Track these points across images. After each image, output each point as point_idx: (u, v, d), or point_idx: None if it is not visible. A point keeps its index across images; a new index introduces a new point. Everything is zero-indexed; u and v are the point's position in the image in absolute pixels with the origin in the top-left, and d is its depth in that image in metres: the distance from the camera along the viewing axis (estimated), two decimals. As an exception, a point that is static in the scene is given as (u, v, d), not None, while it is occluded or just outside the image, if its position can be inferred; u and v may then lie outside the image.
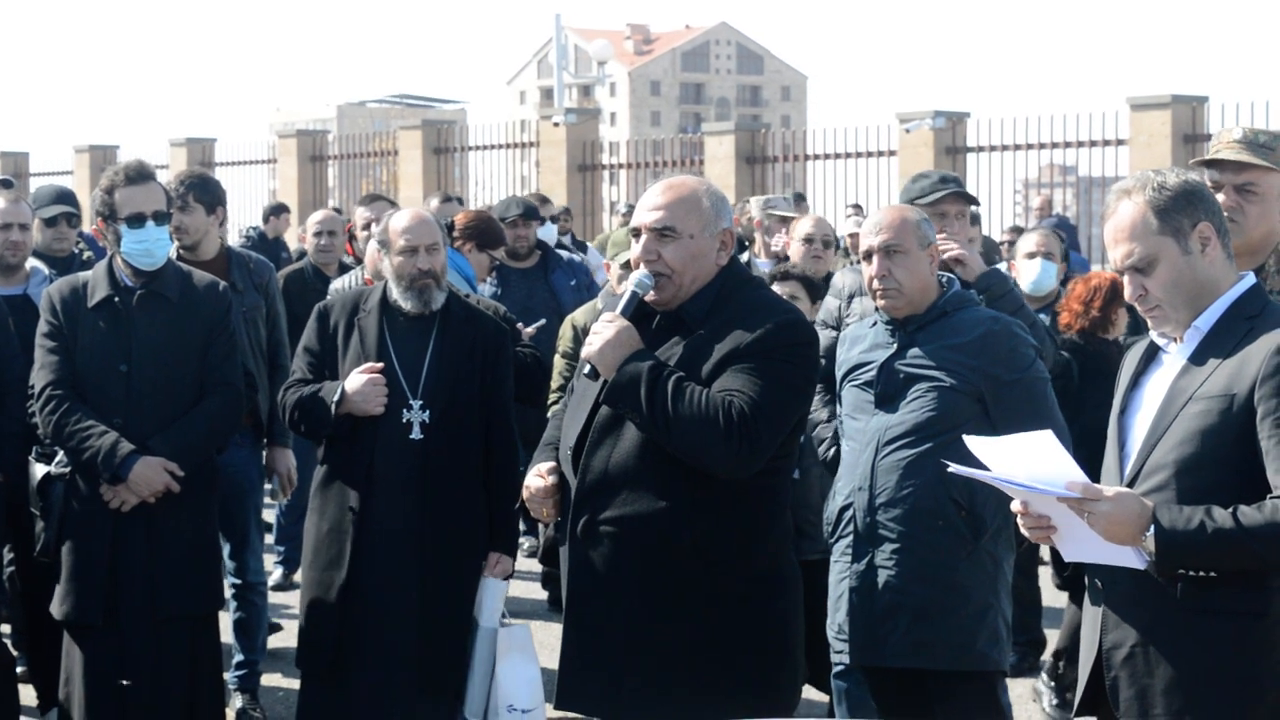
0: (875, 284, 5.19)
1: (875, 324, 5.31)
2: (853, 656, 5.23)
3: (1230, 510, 3.50)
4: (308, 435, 5.86)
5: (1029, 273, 7.73)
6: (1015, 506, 3.72)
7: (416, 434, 5.57)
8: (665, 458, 4.31)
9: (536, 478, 4.59)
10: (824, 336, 5.81)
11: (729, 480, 4.32)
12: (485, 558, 5.71)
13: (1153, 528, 3.51)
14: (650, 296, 4.44)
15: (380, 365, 5.56)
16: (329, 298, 5.95)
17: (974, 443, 3.73)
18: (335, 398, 5.53)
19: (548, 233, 11.88)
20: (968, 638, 5.05)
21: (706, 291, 4.45)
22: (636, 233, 4.47)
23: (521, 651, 5.66)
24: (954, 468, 3.74)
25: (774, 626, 4.48)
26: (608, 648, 4.39)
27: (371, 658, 5.54)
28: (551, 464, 4.60)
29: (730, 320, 4.39)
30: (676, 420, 4.24)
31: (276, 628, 8.30)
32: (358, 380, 5.52)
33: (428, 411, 5.58)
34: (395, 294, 5.68)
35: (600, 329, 4.39)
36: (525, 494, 4.62)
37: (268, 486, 7.72)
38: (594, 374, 4.41)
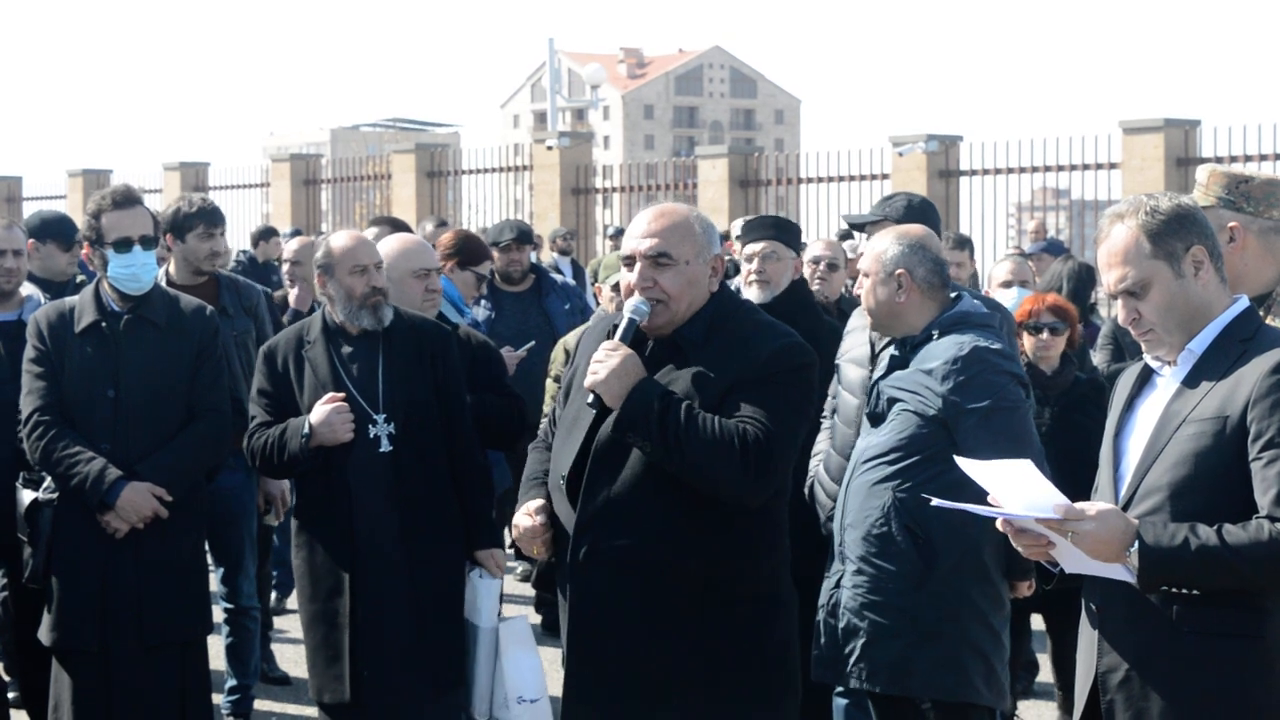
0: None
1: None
2: (815, 674, 5.24)
3: (1215, 528, 3.50)
4: (281, 475, 5.87)
5: (1006, 302, 7.72)
6: (1000, 526, 3.71)
7: (386, 446, 5.61)
8: (669, 484, 4.30)
9: (525, 517, 4.55)
10: (856, 373, 5.84)
11: (732, 505, 4.32)
12: (466, 555, 5.74)
13: (1136, 543, 3.51)
14: (644, 323, 4.43)
15: (341, 395, 5.58)
16: (273, 338, 5.97)
17: (964, 464, 3.74)
18: (304, 433, 5.55)
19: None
20: (905, 663, 5.01)
21: (700, 317, 4.44)
22: (630, 260, 4.46)
23: (522, 644, 5.72)
24: (936, 502, 3.73)
25: (774, 650, 4.48)
26: (612, 674, 4.37)
27: (374, 674, 5.55)
28: (540, 502, 4.56)
29: (728, 346, 4.39)
30: (691, 447, 4.23)
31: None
32: (322, 412, 5.55)
33: (392, 424, 5.62)
34: (341, 315, 5.71)
35: (603, 358, 4.35)
36: (515, 533, 4.59)
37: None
38: (597, 403, 4.37)
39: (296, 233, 17.14)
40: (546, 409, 7.10)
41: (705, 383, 4.34)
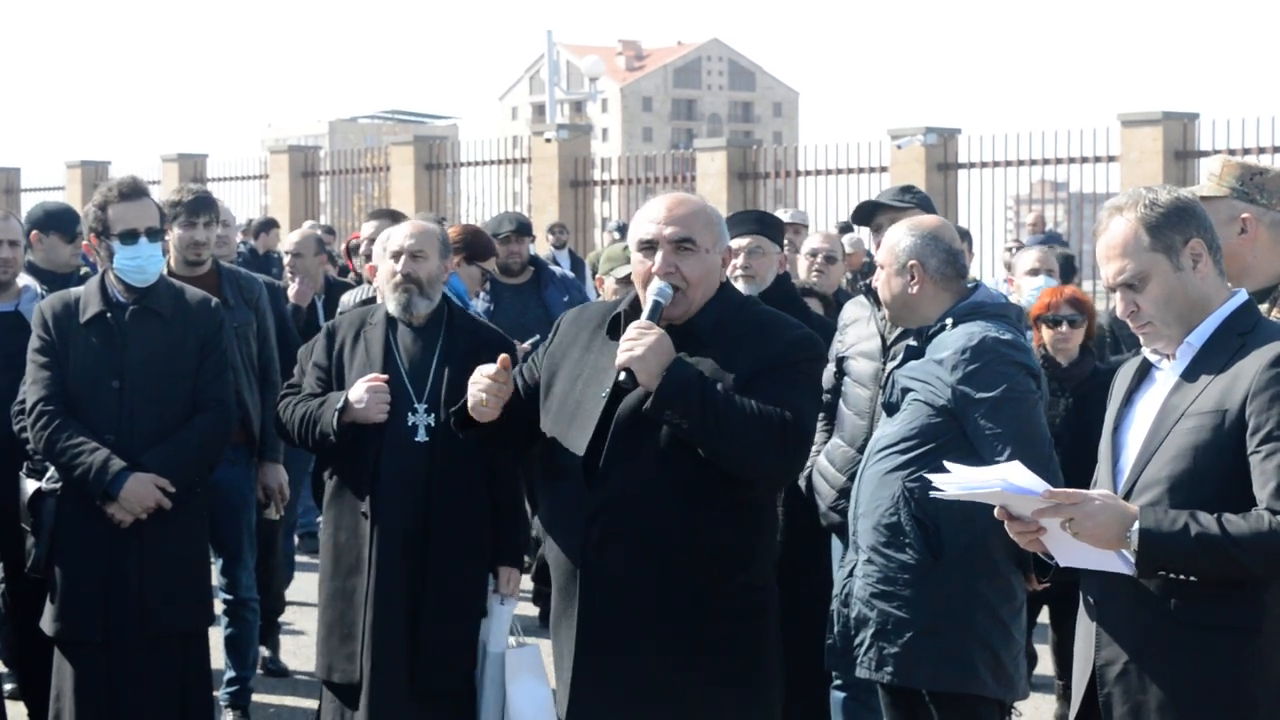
0: None
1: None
2: (827, 662, 5.26)
3: (1215, 517, 3.52)
4: (312, 447, 5.84)
5: (1031, 290, 7.71)
6: (998, 514, 3.72)
7: (422, 437, 5.58)
8: (689, 468, 4.29)
9: (488, 367, 4.51)
10: (866, 365, 5.89)
11: (744, 493, 4.34)
12: (490, 566, 5.69)
13: (1136, 524, 3.52)
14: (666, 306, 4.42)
15: (385, 376, 5.57)
16: (338, 316, 5.99)
17: (954, 469, 3.75)
18: (338, 406, 5.54)
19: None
20: (912, 654, 5.02)
21: (712, 306, 4.45)
22: (649, 245, 4.43)
23: (532, 672, 5.64)
24: (936, 490, 3.74)
25: (769, 639, 4.50)
26: (623, 660, 4.36)
27: (371, 661, 5.52)
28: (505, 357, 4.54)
29: (744, 335, 4.41)
30: (732, 427, 4.22)
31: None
32: (359, 388, 5.54)
33: (432, 415, 5.59)
34: (386, 300, 5.73)
35: (636, 336, 4.29)
36: (474, 378, 4.53)
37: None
38: (631, 381, 4.30)
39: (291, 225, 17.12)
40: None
41: (727, 369, 4.34)
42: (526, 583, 9.52)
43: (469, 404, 4.58)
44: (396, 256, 5.68)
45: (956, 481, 3.69)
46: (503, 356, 4.53)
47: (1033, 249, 8.61)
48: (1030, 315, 7.04)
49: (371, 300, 6.93)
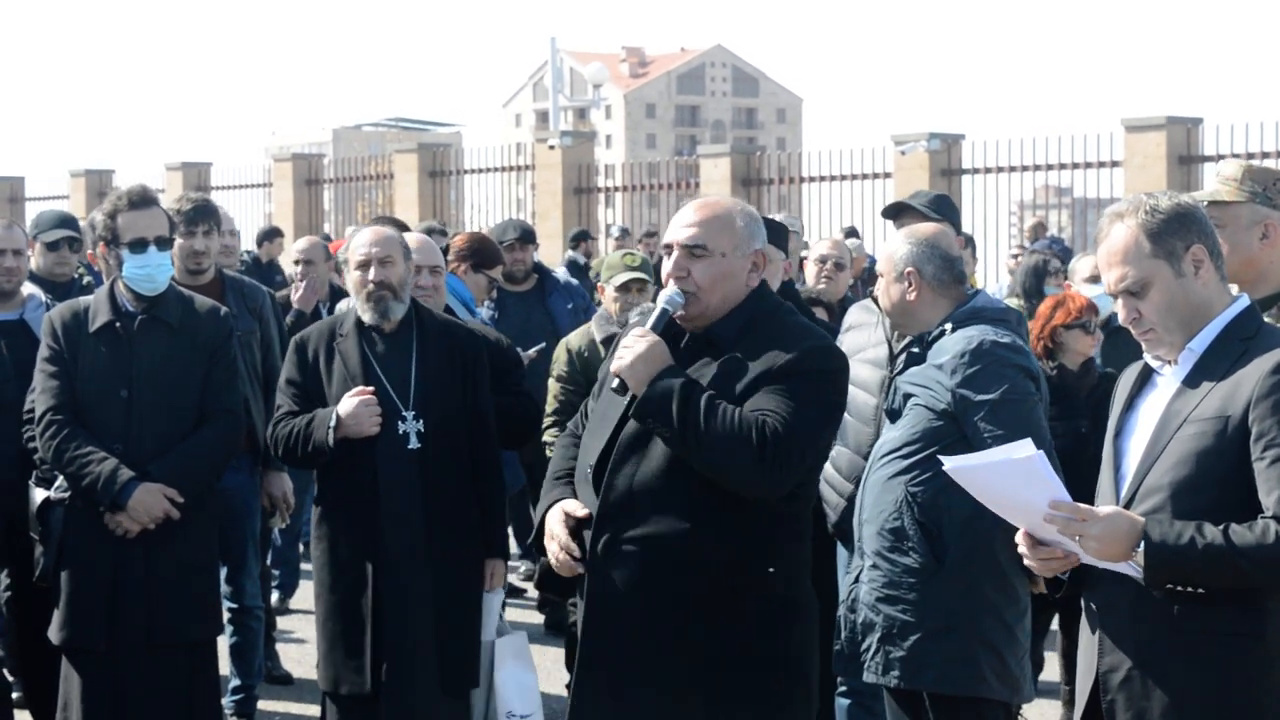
0: None
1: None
2: (835, 668, 5.27)
3: (1221, 527, 3.51)
4: (305, 465, 5.87)
5: (1094, 297, 7.67)
6: (1019, 539, 3.72)
7: (414, 444, 5.61)
8: (692, 477, 4.28)
9: (559, 548, 4.42)
10: (872, 372, 5.92)
11: (754, 502, 4.31)
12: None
13: (1143, 542, 3.52)
14: (676, 314, 4.42)
15: (370, 389, 5.58)
16: (307, 329, 5.98)
17: (952, 465, 3.73)
18: (331, 424, 5.54)
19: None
20: (919, 657, 5.04)
21: (737, 313, 4.42)
22: (668, 249, 4.44)
23: (518, 659, 5.71)
24: (948, 467, 3.72)
25: (790, 651, 4.43)
26: (626, 667, 4.34)
27: (395, 668, 5.55)
28: (574, 548, 4.40)
29: (762, 344, 4.36)
30: (708, 437, 4.20)
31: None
32: (350, 403, 5.55)
33: (421, 421, 5.62)
34: (359, 309, 5.73)
35: (630, 343, 4.33)
36: (548, 541, 4.45)
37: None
38: (622, 388, 4.34)
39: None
40: (548, 409, 7.09)
41: (734, 376, 4.32)
42: (530, 588, 9.56)
43: (554, 568, 4.51)
44: (364, 265, 5.69)
45: (975, 457, 3.68)
46: (573, 512, 4.42)
47: (1089, 255, 8.60)
48: (1050, 326, 7.03)
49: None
